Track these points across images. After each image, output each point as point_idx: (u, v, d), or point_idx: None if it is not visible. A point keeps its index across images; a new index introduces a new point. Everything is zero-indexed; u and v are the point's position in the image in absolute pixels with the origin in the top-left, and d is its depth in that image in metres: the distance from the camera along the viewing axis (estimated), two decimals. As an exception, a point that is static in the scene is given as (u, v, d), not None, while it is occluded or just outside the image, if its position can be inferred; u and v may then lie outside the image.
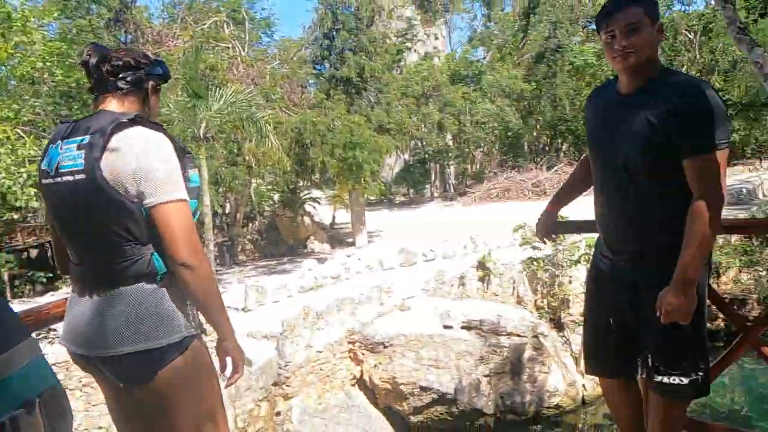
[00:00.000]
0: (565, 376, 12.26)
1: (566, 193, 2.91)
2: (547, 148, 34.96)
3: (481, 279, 13.50)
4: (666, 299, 2.13)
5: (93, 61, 2.04)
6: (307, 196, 22.51)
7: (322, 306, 11.02)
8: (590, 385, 12.43)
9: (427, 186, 35.56)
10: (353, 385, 11.67)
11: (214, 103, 10.94)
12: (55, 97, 15.78)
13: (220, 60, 13.55)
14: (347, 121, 16.80)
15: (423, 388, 11.40)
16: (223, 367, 2.11)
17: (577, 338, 12.91)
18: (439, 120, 27.27)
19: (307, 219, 20.82)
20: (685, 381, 2.29)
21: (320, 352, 10.85)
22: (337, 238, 23.42)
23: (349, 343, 11.56)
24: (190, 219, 1.94)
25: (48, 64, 17.76)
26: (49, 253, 24.55)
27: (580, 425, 12.03)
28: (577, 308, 13.22)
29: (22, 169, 15.82)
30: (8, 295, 19.60)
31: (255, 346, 10.79)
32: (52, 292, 19.76)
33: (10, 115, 17.92)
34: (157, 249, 1.95)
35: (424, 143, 30.87)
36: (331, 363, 11.11)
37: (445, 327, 11.97)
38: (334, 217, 26.22)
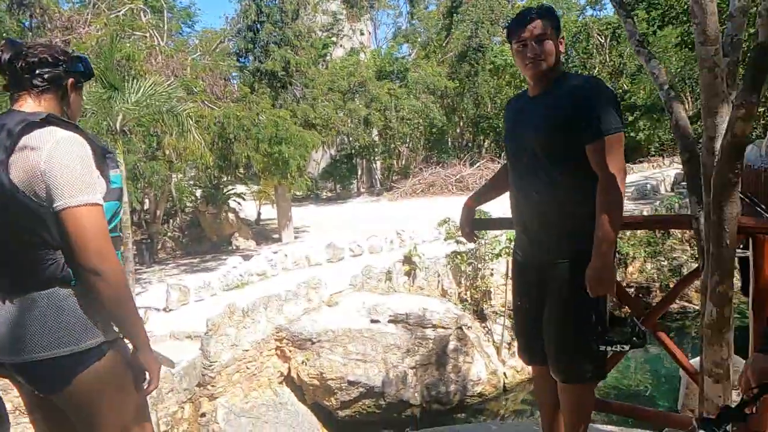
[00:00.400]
0: (487, 366, 12.74)
1: (486, 191, 3.09)
2: (470, 145, 35.96)
3: (408, 273, 13.75)
4: (588, 273, 2.32)
5: (6, 57, 1.94)
6: (231, 191, 21.98)
7: (248, 304, 10.84)
8: (510, 373, 13.02)
9: (353, 181, 35.65)
10: (281, 383, 11.59)
11: (131, 95, 10.46)
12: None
13: (137, 50, 12.93)
14: (273, 116, 16.54)
15: (351, 383, 11.50)
16: (138, 381, 2.06)
17: (498, 328, 13.46)
18: (365, 115, 27.34)
19: (231, 215, 20.35)
20: (582, 367, 2.50)
21: (247, 350, 10.70)
22: (263, 234, 23.04)
23: (276, 340, 11.46)
24: (101, 223, 1.87)
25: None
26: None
27: (501, 411, 12.55)
28: (498, 299, 13.78)
29: None
30: None
31: (178, 347, 10.48)
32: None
33: None
34: (65, 254, 1.88)
35: (350, 139, 30.88)
36: (258, 361, 10.98)
37: (373, 321, 12.12)
38: (259, 214, 25.77)
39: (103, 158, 1.96)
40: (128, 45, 13.31)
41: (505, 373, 13.00)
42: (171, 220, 23.96)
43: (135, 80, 11.00)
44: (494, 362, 13.05)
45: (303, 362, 11.45)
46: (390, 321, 12.23)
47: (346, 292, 12.96)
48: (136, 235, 22.05)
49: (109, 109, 9.72)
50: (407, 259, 13.90)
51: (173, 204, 22.92)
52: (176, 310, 12.28)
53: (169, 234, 22.98)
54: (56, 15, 15.16)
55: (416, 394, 11.79)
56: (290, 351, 11.47)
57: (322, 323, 11.70)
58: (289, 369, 11.56)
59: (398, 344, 12.02)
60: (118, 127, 10.19)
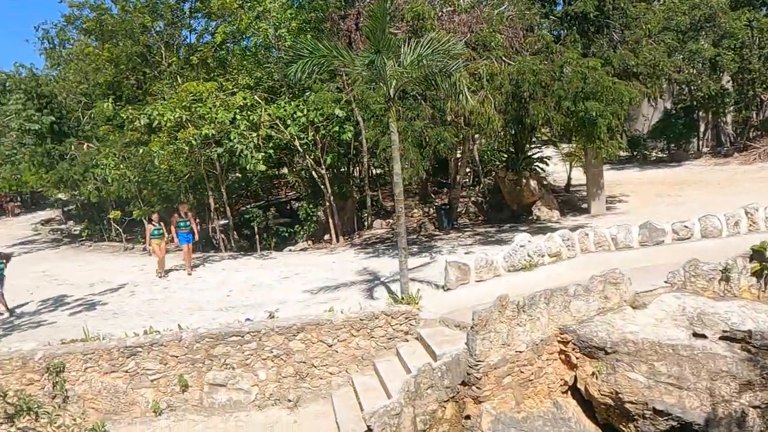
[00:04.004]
0: None
1: None
2: None
3: (757, 273, 9.92)
4: None
5: None
6: (536, 154, 20.04)
7: (524, 298, 9.08)
8: None
9: (692, 140, 29.52)
10: (564, 394, 9.61)
11: (407, 57, 9.55)
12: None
13: (424, 7, 12.04)
14: (580, 67, 13.89)
15: (658, 412, 8.81)
16: None
17: None
18: (712, 57, 21.78)
19: (533, 182, 18.48)
20: None
21: (521, 352, 9.03)
22: (570, 203, 20.59)
23: (560, 342, 9.47)
24: None
25: (280, 31, 18.50)
26: (292, 207, 26.86)
27: None
28: None
29: (253, 134, 16.87)
30: (257, 247, 21.81)
31: (445, 336, 9.47)
32: (290, 247, 21.41)
33: (250, 83, 19.32)
34: None
35: (691, 88, 25.32)
36: (534, 365, 9.21)
37: (695, 335, 9.02)
38: (569, 179, 23.21)
39: None
40: (419, 4, 12.49)
41: None
42: (477, 186, 23.47)
43: (416, 39, 10.04)
44: None
45: (593, 374, 9.20)
46: (723, 338, 8.92)
47: (659, 291, 10.00)
48: (438, 200, 22.19)
49: (379, 73, 8.96)
50: (758, 254, 10.02)
51: (476, 168, 22.28)
52: (454, 290, 11.32)
53: (472, 198, 22.53)
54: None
55: (759, 447, 8.38)
56: (577, 358, 9.33)
57: (622, 330, 9.18)
58: (575, 379, 9.46)
59: (733, 372, 8.68)
60: (391, 93, 9.41)
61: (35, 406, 7.46)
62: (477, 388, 8.77)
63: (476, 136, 17.27)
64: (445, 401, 8.74)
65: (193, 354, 9.78)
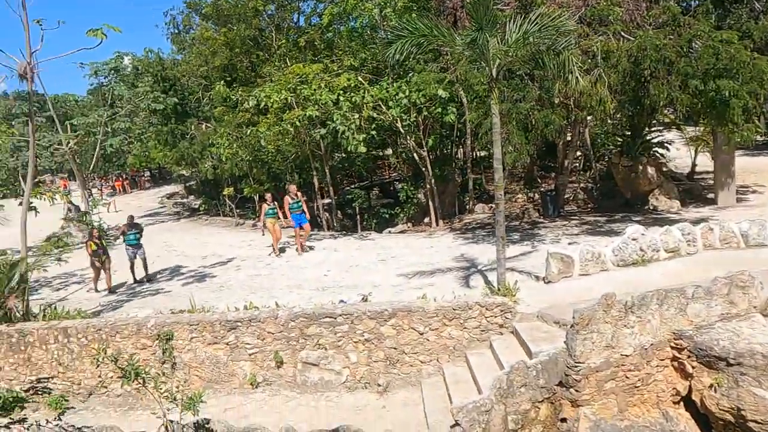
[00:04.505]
0: None
1: None
2: None
3: None
4: None
5: None
6: (656, 138, 18.36)
7: (633, 298, 8.31)
8: None
9: None
10: (676, 404, 8.74)
11: (512, 35, 8.96)
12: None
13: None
14: (712, 40, 12.39)
15: (790, 436, 7.74)
16: None
17: None
18: None
19: (650, 169, 16.95)
20: None
21: (627, 356, 8.29)
22: (693, 192, 18.71)
23: (673, 348, 8.58)
24: None
25: (385, 11, 18.32)
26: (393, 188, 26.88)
27: None
28: None
29: (355, 116, 16.91)
30: (358, 227, 22.10)
31: (542, 333, 8.93)
32: (389, 228, 21.46)
33: (355, 64, 19.38)
34: None
35: None
36: (642, 371, 8.44)
37: (842, 352, 7.77)
38: (693, 165, 21.12)
39: None
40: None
41: None
42: (588, 171, 22.06)
43: (524, 16, 9.40)
44: None
45: (711, 387, 8.26)
46: None
47: (797, 298, 8.75)
48: (543, 186, 21.12)
49: (481, 53, 8.47)
50: None
51: (587, 152, 20.91)
52: (555, 283, 10.66)
53: (582, 185, 21.22)
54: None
55: None
56: (693, 367, 8.41)
57: (749, 339, 8.12)
58: (690, 389, 8.56)
59: None
60: (494, 74, 8.89)
61: (142, 371, 7.99)
62: (575, 390, 8.20)
63: (588, 118, 16.10)
64: (539, 401, 8.26)
65: (288, 332, 10.04)
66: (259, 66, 23.74)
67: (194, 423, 8.39)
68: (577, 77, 8.62)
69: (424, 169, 19.27)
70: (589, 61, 12.27)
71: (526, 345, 8.73)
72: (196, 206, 30.53)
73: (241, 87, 22.19)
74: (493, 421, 7.92)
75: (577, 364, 8.12)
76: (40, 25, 11.25)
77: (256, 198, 25.48)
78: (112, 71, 25.38)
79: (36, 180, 20.70)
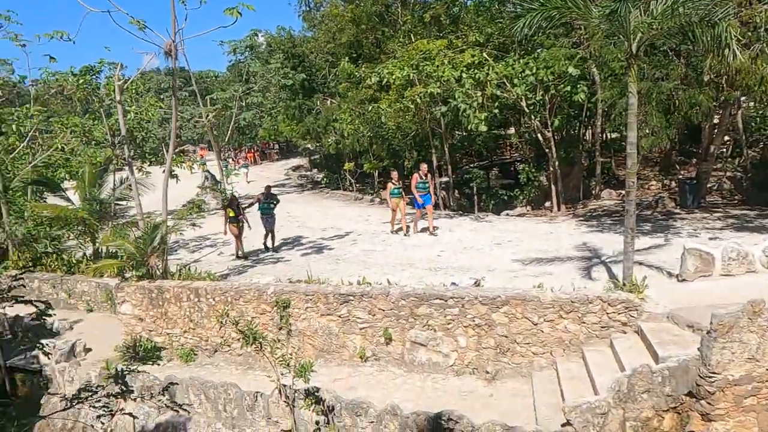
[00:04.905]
0: None
1: None
2: None
3: None
4: None
5: None
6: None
7: (787, 306, 7.27)
8: None
9: None
10: (832, 432, 7.60)
11: (658, 6, 8.06)
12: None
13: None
14: None
15: None
16: None
17: None
18: None
19: (818, 158, 14.71)
20: None
21: (774, 371, 7.32)
22: None
23: (834, 368, 7.43)
24: None
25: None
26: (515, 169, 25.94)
27: None
28: None
29: (478, 93, 16.39)
30: (475, 208, 21.68)
31: (671, 336, 8.13)
32: (507, 211, 20.80)
33: (480, 39, 18.75)
34: None
35: None
36: (792, 390, 7.41)
37: None
38: None
39: None
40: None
41: None
42: (737, 159, 19.74)
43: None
44: None
45: None
46: None
47: None
48: (680, 173, 19.22)
49: (620, 26, 7.70)
50: None
51: (738, 138, 18.64)
52: (691, 282, 9.64)
53: (729, 173, 19.04)
54: None
55: None
56: None
57: None
58: None
59: None
60: (633, 49, 8.08)
61: (260, 336, 8.44)
62: (708, 403, 7.40)
63: (743, 99, 14.27)
64: (663, 410, 7.57)
65: (398, 310, 10.07)
66: (384, 42, 23.84)
67: (305, 390, 8.74)
68: (735, 52, 7.57)
69: (547, 150, 18.33)
70: (750, 33, 10.78)
71: (652, 348, 8.00)
72: (319, 179, 31.70)
73: (365, 63, 22.44)
74: (609, 425, 7.40)
75: (712, 375, 7.31)
76: (184, 4, 11.97)
77: (375, 174, 25.92)
78: (248, 48, 26.81)
79: (178, 149, 22.55)
